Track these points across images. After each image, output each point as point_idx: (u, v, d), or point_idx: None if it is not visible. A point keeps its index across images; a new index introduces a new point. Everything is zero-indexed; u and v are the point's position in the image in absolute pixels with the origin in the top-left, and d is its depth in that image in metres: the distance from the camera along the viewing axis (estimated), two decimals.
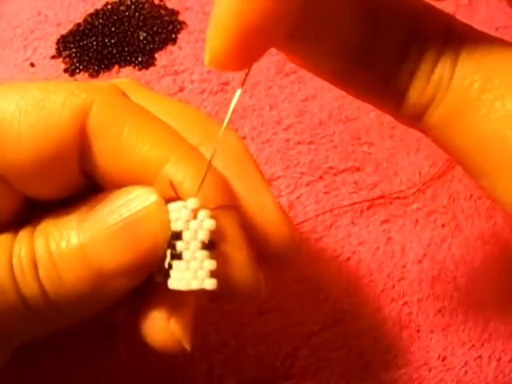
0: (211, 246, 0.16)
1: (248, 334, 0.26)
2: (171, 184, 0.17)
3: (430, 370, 0.26)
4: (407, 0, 0.17)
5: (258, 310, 0.27)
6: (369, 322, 0.27)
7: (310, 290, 0.28)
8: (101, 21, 0.37)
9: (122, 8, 0.37)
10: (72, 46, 0.36)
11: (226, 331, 0.26)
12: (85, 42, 0.36)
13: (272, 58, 0.36)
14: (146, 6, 0.38)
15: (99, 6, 0.38)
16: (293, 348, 0.26)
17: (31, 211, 0.19)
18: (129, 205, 0.17)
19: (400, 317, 0.27)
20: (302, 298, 0.27)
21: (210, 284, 0.16)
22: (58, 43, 0.36)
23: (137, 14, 0.37)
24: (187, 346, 0.19)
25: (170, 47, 0.36)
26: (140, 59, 0.35)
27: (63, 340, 0.26)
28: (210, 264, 0.16)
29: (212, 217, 0.17)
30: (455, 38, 0.16)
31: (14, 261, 0.17)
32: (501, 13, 0.40)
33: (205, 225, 0.16)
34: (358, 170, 0.32)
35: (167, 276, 0.17)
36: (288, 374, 0.26)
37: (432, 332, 0.27)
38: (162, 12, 0.37)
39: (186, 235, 0.17)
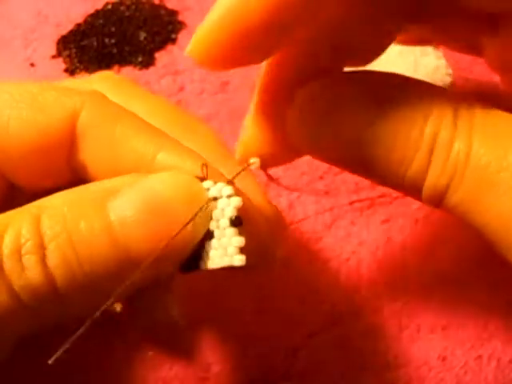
0: (238, 222, 0.17)
1: (248, 333, 0.26)
2: (203, 166, 0.17)
3: (430, 370, 0.26)
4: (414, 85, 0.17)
5: (258, 309, 0.27)
6: (369, 321, 0.27)
7: (309, 290, 0.28)
8: (101, 21, 0.37)
9: (122, 8, 0.37)
10: (72, 46, 0.36)
11: (226, 331, 0.26)
12: (85, 42, 0.36)
13: None
14: (146, 6, 0.38)
15: (99, 6, 0.38)
16: (293, 348, 0.26)
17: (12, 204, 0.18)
18: (166, 187, 0.17)
19: (400, 317, 0.27)
20: (301, 298, 0.27)
21: (240, 260, 0.16)
22: (58, 43, 0.36)
23: (137, 13, 0.37)
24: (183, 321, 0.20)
25: (169, 47, 0.36)
26: (140, 59, 0.35)
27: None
28: (239, 241, 0.17)
29: (236, 194, 0.17)
30: (465, 118, 0.17)
31: (6, 250, 0.15)
32: None
33: (232, 202, 0.17)
34: None
35: (198, 260, 0.17)
36: (288, 374, 0.26)
37: (432, 332, 0.27)
38: (162, 12, 0.37)
39: (215, 214, 0.17)
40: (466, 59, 0.37)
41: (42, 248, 0.15)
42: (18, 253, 0.15)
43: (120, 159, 0.18)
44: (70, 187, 0.18)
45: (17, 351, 0.20)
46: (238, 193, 0.17)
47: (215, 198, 0.17)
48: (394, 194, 0.31)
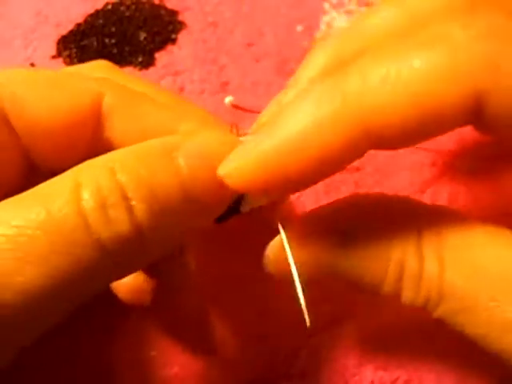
0: None
1: (248, 333, 0.26)
2: (232, 126, 0.20)
3: (430, 370, 0.26)
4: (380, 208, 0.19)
5: (258, 309, 0.27)
6: (369, 321, 0.27)
7: (309, 290, 0.28)
8: (101, 21, 0.37)
9: (122, 8, 0.37)
10: (72, 45, 0.36)
11: (225, 331, 0.26)
12: (85, 42, 0.36)
13: (272, 59, 0.36)
14: (146, 6, 0.38)
15: (99, 6, 0.38)
16: (293, 348, 0.26)
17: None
18: (218, 141, 0.18)
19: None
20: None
21: None
22: (58, 43, 0.36)
23: (137, 14, 0.37)
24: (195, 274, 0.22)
25: (169, 47, 0.36)
26: (140, 59, 0.35)
27: (58, 340, 0.26)
28: None
29: None
30: (432, 243, 0.17)
31: (88, 205, 0.15)
32: None
33: None
34: (358, 170, 0.32)
35: (237, 206, 0.19)
36: (288, 374, 0.26)
37: (432, 332, 0.27)
38: (162, 12, 0.37)
39: None
40: None
41: (126, 200, 0.16)
42: (103, 206, 0.15)
43: (146, 133, 0.20)
44: None
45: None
46: None
47: None
48: (394, 193, 0.31)
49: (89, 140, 0.21)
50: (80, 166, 0.17)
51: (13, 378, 0.22)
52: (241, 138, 0.19)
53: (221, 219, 0.20)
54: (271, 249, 0.20)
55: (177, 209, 0.17)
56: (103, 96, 0.20)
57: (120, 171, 0.16)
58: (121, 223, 0.16)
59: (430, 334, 0.27)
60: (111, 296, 0.24)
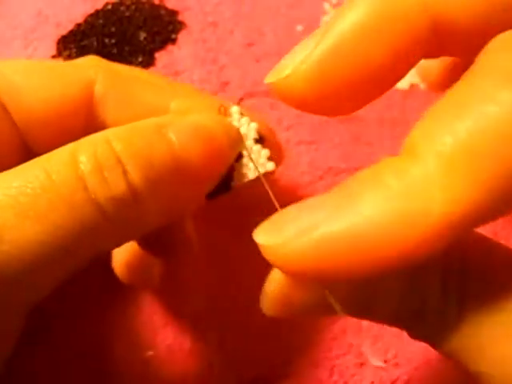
0: (261, 139, 0.21)
1: (248, 333, 0.26)
2: (221, 106, 0.21)
3: (430, 370, 0.26)
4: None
5: (259, 310, 0.27)
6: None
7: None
8: (101, 21, 0.37)
9: (122, 8, 0.37)
10: (72, 45, 0.36)
11: (226, 330, 0.26)
12: (85, 42, 0.36)
13: (272, 59, 0.36)
14: (146, 6, 0.38)
15: (99, 6, 0.38)
16: (292, 347, 0.26)
17: None
18: (206, 120, 0.20)
19: None
20: None
21: (271, 166, 0.21)
22: (58, 43, 0.36)
23: (137, 14, 0.37)
24: (195, 246, 0.23)
25: (170, 47, 0.36)
26: (140, 59, 0.35)
27: (58, 340, 0.26)
28: (266, 152, 0.21)
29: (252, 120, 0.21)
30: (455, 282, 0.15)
31: (86, 168, 0.16)
32: None
33: (252, 126, 0.21)
34: (358, 170, 0.32)
35: (228, 183, 0.21)
36: (288, 373, 0.26)
37: None
38: (162, 12, 0.37)
39: None
40: None
41: (121, 164, 0.17)
42: (99, 168, 0.16)
43: (138, 115, 0.21)
44: None
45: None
46: (251, 119, 0.21)
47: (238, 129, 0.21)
48: None
49: (83, 125, 0.21)
50: (78, 140, 0.18)
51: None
52: (228, 119, 0.21)
53: (212, 196, 0.21)
54: (268, 286, 0.17)
55: (170, 179, 0.18)
56: (95, 82, 0.21)
57: (115, 140, 0.17)
58: (116, 185, 0.17)
59: None
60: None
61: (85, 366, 0.25)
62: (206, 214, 0.29)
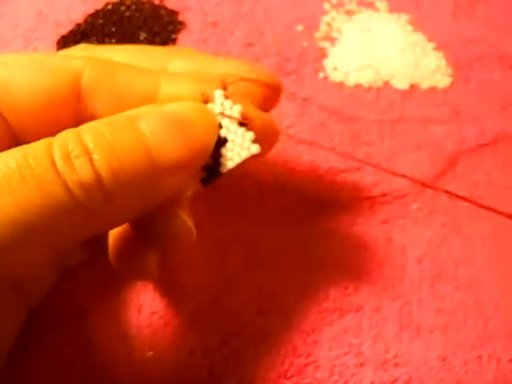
0: (245, 122, 0.21)
1: (248, 333, 0.26)
2: (203, 93, 0.21)
3: (430, 370, 0.26)
4: None
5: (258, 309, 0.27)
6: (369, 321, 0.27)
7: (310, 290, 0.28)
8: (101, 21, 0.37)
9: (122, 8, 0.37)
10: (72, 45, 0.36)
11: (226, 331, 0.26)
12: (85, 42, 0.36)
13: (272, 59, 0.36)
14: (146, 6, 0.38)
15: (99, 6, 0.38)
16: (292, 347, 0.26)
17: None
18: (181, 108, 0.20)
19: (400, 317, 0.27)
20: (302, 298, 0.27)
21: (256, 148, 0.21)
22: (58, 43, 0.36)
23: (137, 14, 0.37)
24: (195, 234, 0.23)
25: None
26: None
27: (58, 340, 0.26)
28: (250, 134, 0.21)
29: (235, 102, 0.21)
30: None
31: (57, 155, 0.18)
32: (501, 12, 0.40)
33: (235, 109, 0.21)
34: (358, 170, 0.32)
35: (217, 169, 0.21)
36: (288, 373, 0.26)
37: (432, 332, 0.27)
38: (162, 12, 0.37)
39: (224, 122, 0.21)
40: (466, 59, 0.37)
41: (88, 153, 0.18)
42: (68, 156, 0.18)
43: (126, 103, 0.21)
44: None
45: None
46: (236, 101, 0.21)
47: (221, 113, 0.21)
48: (395, 193, 0.31)
49: (72, 115, 0.22)
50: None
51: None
52: (209, 105, 0.21)
53: (206, 182, 0.21)
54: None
55: (140, 168, 0.19)
56: (82, 73, 0.21)
57: (85, 131, 0.19)
58: (83, 171, 0.18)
59: (429, 333, 0.27)
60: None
61: (84, 366, 0.25)
62: (205, 209, 0.29)
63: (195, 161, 0.20)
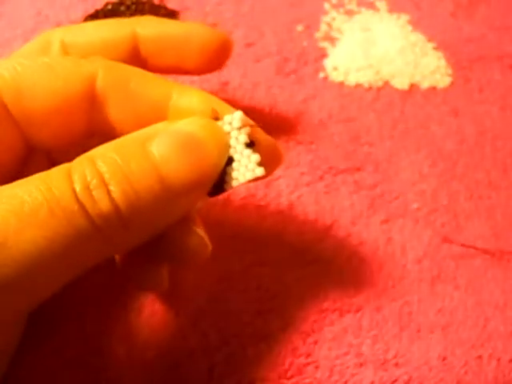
0: (252, 144, 0.21)
1: (248, 333, 0.26)
2: (213, 110, 0.21)
3: (430, 370, 0.26)
4: None
5: (258, 309, 0.27)
6: (369, 321, 0.27)
7: (310, 290, 0.28)
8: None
9: (122, 8, 0.37)
10: None
11: (226, 331, 0.26)
12: None
13: (272, 59, 0.36)
14: (146, 6, 0.38)
15: (99, 6, 0.38)
16: (292, 347, 0.26)
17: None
18: (193, 128, 0.20)
19: (400, 317, 0.27)
20: (302, 298, 0.28)
21: (260, 171, 0.21)
22: None
23: (137, 14, 0.37)
24: (210, 246, 0.23)
25: None
26: None
27: (61, 340, 0.26)
28: (256, 157, 0.21)
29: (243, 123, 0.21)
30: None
31: (78, 187, 0.18)
32: (501, 12, 0.40)
33: (242, 131, 0.21)
34: (358, 170, 0.32)
35: (222, 184, 0.21)
36: (288, 373, 0.26)
37: (432, 332, 0.27)
38: (162, 12, 0.37)
39: (231, 142, 0.21)
40: (466, 59, 0.37)
41: (105, 184, 0.18)
42: (87, 187, 0.18)
43: (139, 109, 0.22)
44: (88, 145, 0.20)
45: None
46: (244, 123, 0.21)
47: (229, 133, 0.21)
48: (394, 193, 0.31)
49: (85, 121, 0.22)
50: (71, 162, 0.19)
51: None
52: (218, 122, 0.21)
53: (211, 194, 0.21)
54: None
55: (153, 193, 0.19)
56: (96, 76, 0.21)
57: (100, 160, 0.19)
58: (102, 202, 0.18)
59: (429, 333, 0.27)
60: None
61: (84, 366, 0.25)
62: (205, 215, 0.29)
63: (207, 181, 0.20)
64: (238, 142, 0.21)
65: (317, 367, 0.26)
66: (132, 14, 0.37)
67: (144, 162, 0.19)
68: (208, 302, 0.27)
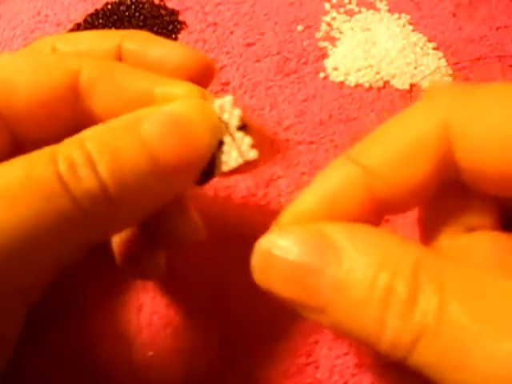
0: (244, 126, 0.20)
1: (248, 333, 0.26)
2: (203, 94, 0.21)
3: None
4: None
5: (258, 309, 0.27)
6: None
7: None
8: (101, 21, 0.37)
9: (122, 8, 0.37)
10: None
11: (226, 331, 0.26)
12: None
13: (272, 58, 0.36)
14: (146, 6, 0.38)
15: (99, 5, 0.38)
16: (292, 347, 0.26)
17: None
18: (184, 107, 0.20)
19: None
20: None
21: (254, 154, 0.20)
22: None
23: (137, 14, 0.37)
24: (203, 230, 0.23)
25: None
26: None
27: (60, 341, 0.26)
28: (249, 139, 0.20)
29: (236, 106, 0.21)
30: (431, 271, 0.16)
31: (62, 166, 0.18)
32: (501, 12, 0.40)
33: (235, 113, 0.20)
34: None
35: (212, 170, 0.21)
36: (288, 373, 0.26)
37: None
38: (162, 12, 0.37)
39: (223, 126, 0.21)
40: (466, 59, 0.37)
41: (92, 163, 0.18)
42: (73, 167, 0.18)
43: (123, 101, 0.21)
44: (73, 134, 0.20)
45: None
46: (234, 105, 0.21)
47: (220, 116, 0.21)
48: None
49: (70, 113, 0.22)
50: (59, 143, 0.19)
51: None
52: (210, 103, 0.20)
53: (200, 182, 0.21)
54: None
55: (142, 172, 0.18)
56: (79, 71, 0.22)
57: (88, 140, 0.19)
58: (88, 181, 0.18)
59: None
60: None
61: (84, 366, 0.25)
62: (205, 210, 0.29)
63: (198, 161, 0.20)
64: (229, 125, 0.20)
65: (317, 367, 0.26)
66: (132, 14, 0.37)
67: (133, 140, 0.19)
68: (208, 302, 0.27)
